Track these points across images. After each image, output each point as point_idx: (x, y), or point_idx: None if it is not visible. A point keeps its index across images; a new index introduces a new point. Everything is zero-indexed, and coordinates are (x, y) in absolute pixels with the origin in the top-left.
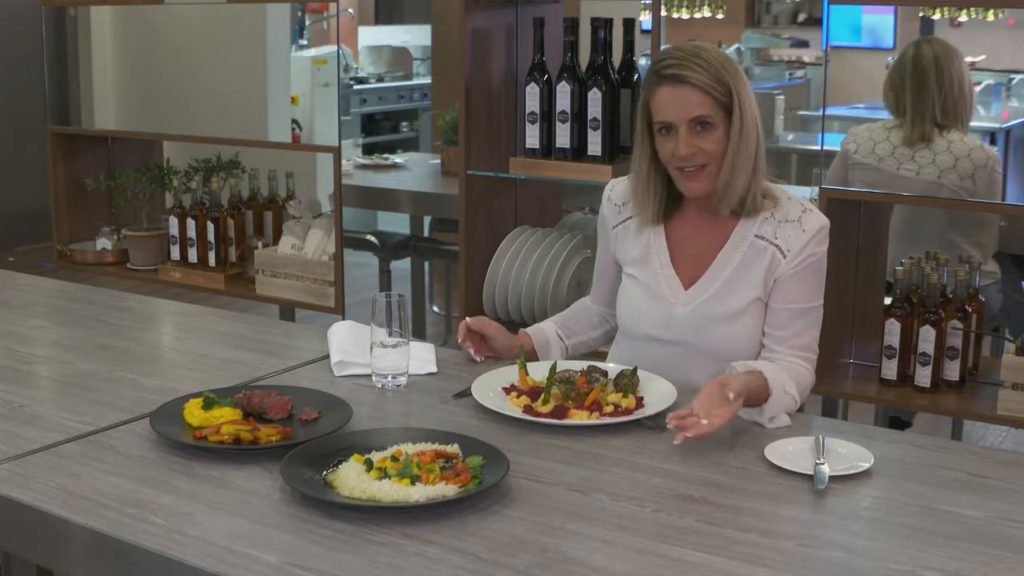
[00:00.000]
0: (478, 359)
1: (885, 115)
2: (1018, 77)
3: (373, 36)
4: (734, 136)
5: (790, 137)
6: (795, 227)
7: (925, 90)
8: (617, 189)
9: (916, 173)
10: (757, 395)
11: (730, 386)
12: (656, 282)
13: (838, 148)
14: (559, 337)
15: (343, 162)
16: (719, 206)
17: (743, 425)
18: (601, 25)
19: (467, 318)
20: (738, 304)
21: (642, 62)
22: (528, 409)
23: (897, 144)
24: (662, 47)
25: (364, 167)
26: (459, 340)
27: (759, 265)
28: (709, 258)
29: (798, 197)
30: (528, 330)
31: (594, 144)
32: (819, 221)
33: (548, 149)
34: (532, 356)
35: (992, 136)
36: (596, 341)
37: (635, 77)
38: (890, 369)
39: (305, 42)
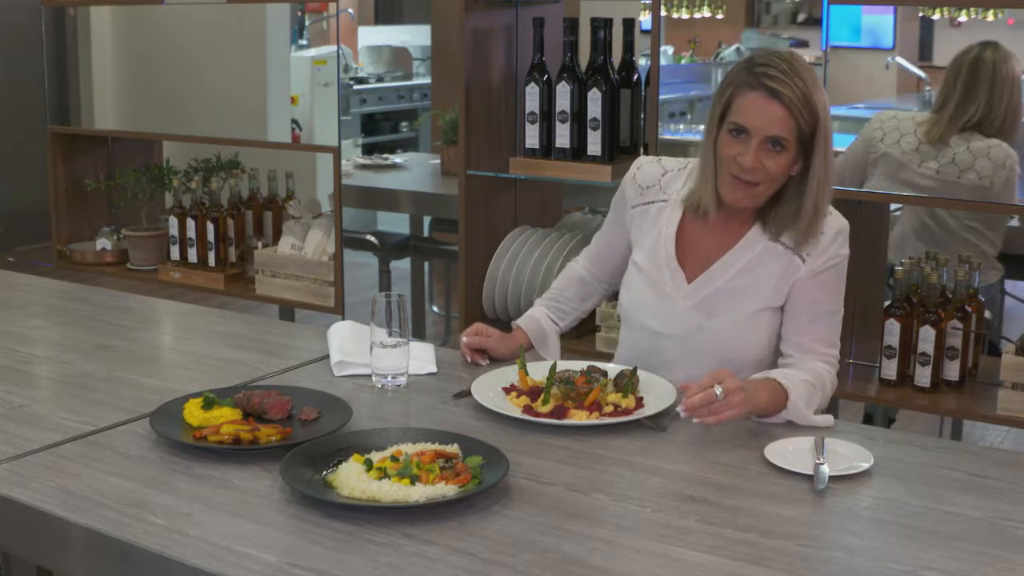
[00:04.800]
0: (485, 363)
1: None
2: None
3: (373, 36)
4: (818, 174)
5: None
6: None
7: (973, 93)
8: (644, 170)
9: (936, 172)
10: (773, 401)
11: (726, 383)
12: (660, 274)
13: (838, 148)
14: (552, 322)
15: (343, 162)
16: (798, 243)
17: (743, 425)
18: (601, 25)
19: (463, 336)
20: (742, 306)
21: (642, 62)
22: (528, 409)
23: (923, 140)
24: (662, 47)
25: (364, 167)
26: (467, 358)
27: (773, 268)
28: (717, 254)
29: None
30: (520, 323)
31: (594, 144)
32: (839, 223)
33: (548, 149)
34: (530, 348)
35: None
36: (588, 311)
37: (635, 77)
38: (890, 369)
39: (305, 42)
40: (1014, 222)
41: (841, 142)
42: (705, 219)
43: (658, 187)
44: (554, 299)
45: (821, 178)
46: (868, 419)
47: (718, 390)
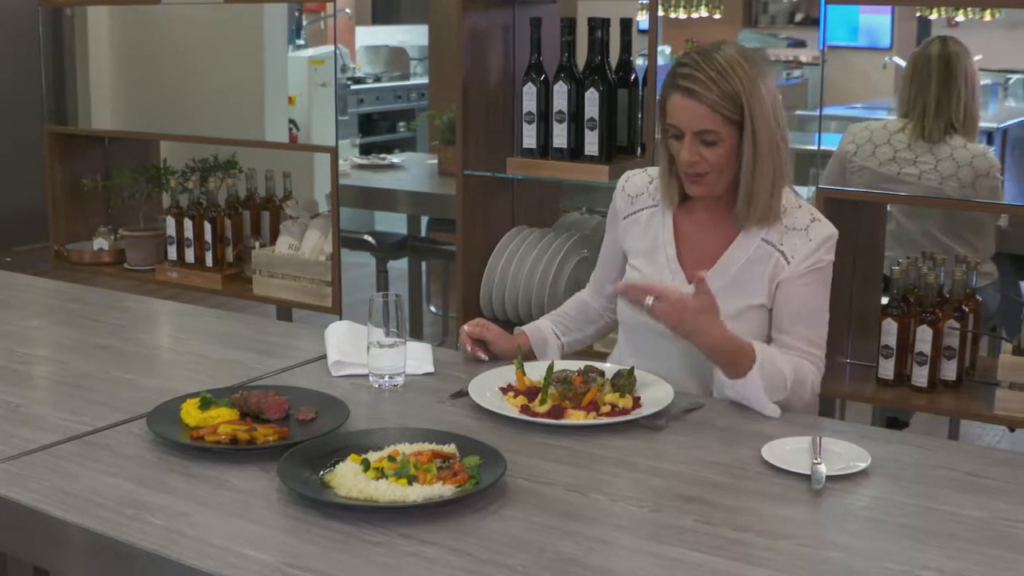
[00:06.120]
0: (484, 358)
1: (883, 114)
2: (1015, 77)
3: (370, 36)
4: (747, 155)
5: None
6: (801, 236)
7: (952, 87)
8: (632, 181)
9: (918, 178)
10: (730, 350)
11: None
12: (661, 275)
13: (835, 148)
14: (556, 335)
15: (340, 162)
16: (740, 223)
17: (740, 424)
18: (598, 25)
19: (465, 325)
20: (739, 305)
21: (639, 62)
22: (525, 409)
23: (899, 148)
24: (660, 46)
25: (361, 167)
26: (466, 348)
27: (763, 269)
28: (715, 256)
29: (808, 205)
30: (525, 328)
31: (591, 144)
32: (826, 231)
33: (545, 149)
34: (529, 355)
35: (989, 136)
36: (591, 337)
37: (632, 77)
38: (887, 369)
39: (302, 42)
40: (1002, 222)
41: (839, 142)
42: (697, 219)
43: (647, 194)
44: (558, 314)
45: (750, 164)
46: (890, 424)
47: (649, 300)
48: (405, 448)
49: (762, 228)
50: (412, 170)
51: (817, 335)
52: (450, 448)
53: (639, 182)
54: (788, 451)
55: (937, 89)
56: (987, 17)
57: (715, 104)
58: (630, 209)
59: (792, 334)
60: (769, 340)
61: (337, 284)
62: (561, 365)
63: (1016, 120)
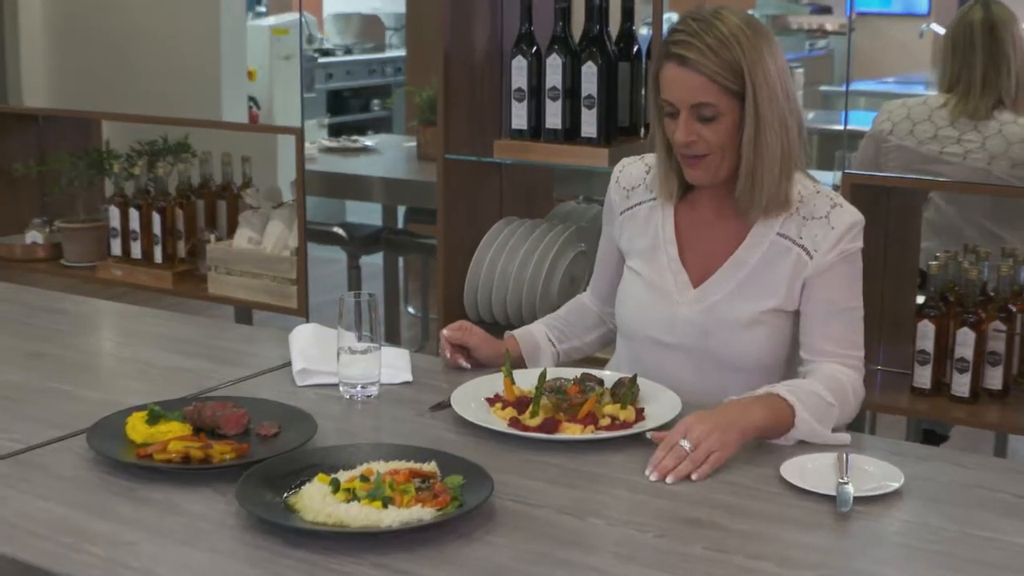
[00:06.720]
0: (466, 365)
1: (919, 89)
2: None
3: (340, 2)
4: (748, 129)
5: (810, 115)
6: (822, 224)
7: (1000, 58)
8: (627, 171)
9: (963, 158)
10: (774, 418)
11: (691, 432)
12: (662, 278)
13: (864, 127)
14: (550, 342)
15: (307, 145)
16: (743, 210)
17: (754, 440)
18: None
19: (445, 329)
20: (753, 310)
21: (643, 32)
22: (514, 422)
23: (942, 125)
24: (665, 14)
25: (330, 150)
26: (446, 354)
27: (782, 267)
28: (724, 255)
29: (827, 190)
30: (515, 333)
31: (588, 124)
32: (851, 217)
33: (537, 130)
34: (519, 364)
35: None
36: (592, 346)
37: (635, 49)
38: (923, 377)
39: (263, 9)
40: None
41: (868, 121)
42: (702, 213)
43: (644, 186)
44: (554, 318)
45: (751, 139)
46: (927, 438)
47: (685, 444)
48: (379, 466)
49: (774, 219)
50: (387, 154)
51: (852, 335)
52: (430, 466)
53: (635, 172)
54: (811, 469)
55: (983, 61)
56: None
57: (713, 73)
58: (626, 204)
59: (825, 336)
60: (797, 345)
61: (303, 282)
62: (555, 373)
63: None
